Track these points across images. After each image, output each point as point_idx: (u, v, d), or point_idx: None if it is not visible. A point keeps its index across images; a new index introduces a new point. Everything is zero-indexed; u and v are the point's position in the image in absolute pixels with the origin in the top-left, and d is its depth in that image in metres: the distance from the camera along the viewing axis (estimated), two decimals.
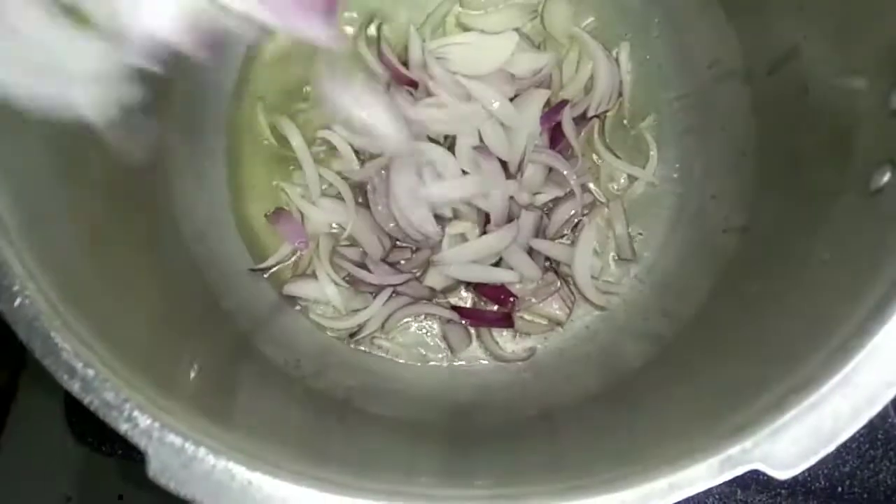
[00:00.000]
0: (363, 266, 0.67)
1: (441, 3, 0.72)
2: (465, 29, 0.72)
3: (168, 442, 0.39)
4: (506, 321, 0.68)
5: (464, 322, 0.68)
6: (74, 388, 0.39)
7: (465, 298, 0.70)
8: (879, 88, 0.48)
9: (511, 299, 0.68)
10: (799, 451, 0.38)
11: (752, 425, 0.39)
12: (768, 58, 0.62)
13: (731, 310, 0.59)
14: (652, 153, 0.71)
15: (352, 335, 0.67)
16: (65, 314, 0.41)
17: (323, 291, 0.67)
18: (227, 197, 0.70)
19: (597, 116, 0.71)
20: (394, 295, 0.68)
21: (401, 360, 0.68)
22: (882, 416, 0.41)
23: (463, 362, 0.68)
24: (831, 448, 0.38)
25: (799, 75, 0.58)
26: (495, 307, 0.68)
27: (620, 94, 0.71)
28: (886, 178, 0.46)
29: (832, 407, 0.39)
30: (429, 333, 0.69)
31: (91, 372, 0.39)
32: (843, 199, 0.50)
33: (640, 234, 0.71)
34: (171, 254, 0.62)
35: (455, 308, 0.68)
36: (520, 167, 0.67)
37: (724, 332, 0.57)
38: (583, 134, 0.71)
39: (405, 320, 0.68)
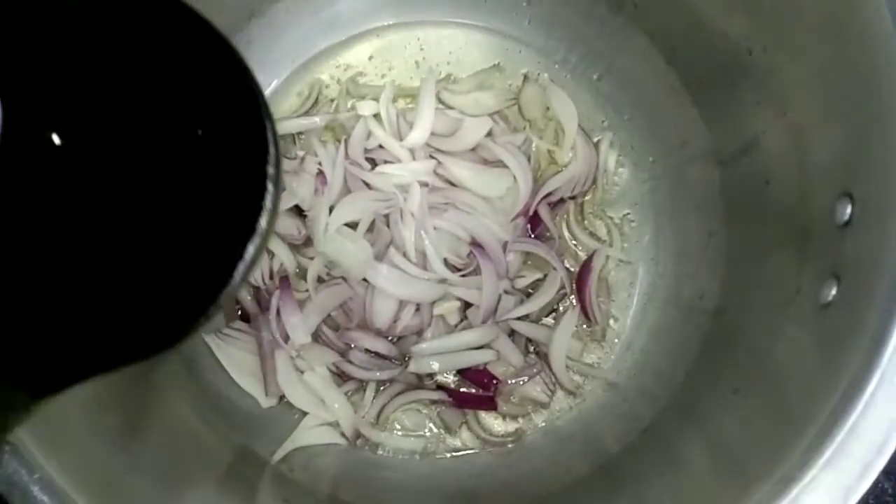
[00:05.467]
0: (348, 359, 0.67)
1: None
2: (447, 106, 0.73)
3: None
4: (489, 403, 0.68)
5: (452, 401, 0.68)
6: None
7: (450, 381, 0.70)
8: (828, 198, 0.48)
9: (494, 382, 0.68)
10: None
11: None
12: (733, 144, 0.63)
13: (706, 396, 0.59)
14: (615, 234, 0.72)
15: (356, 438, 0.67)
16: None
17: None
18: None
19: (573, 198, 0.72)
20: (384, 386, 0.69)
21: (399, 457, 0.67)
22: None
23: (450, 453, 0.68)
24: None
25: (762, 166, 0.59)
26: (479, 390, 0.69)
27: (595, 181, 0.73)
28: (833, 292, 0.45)
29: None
30: (421, 419, 0.69)
31: None
32: (798, 300, 0.50)
33: (617, 315, 0.71)
34: None
35: (441, 388, 0.69)
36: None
37: (701, 419, 0.57)
38: (558, 215, 0.72)
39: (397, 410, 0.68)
